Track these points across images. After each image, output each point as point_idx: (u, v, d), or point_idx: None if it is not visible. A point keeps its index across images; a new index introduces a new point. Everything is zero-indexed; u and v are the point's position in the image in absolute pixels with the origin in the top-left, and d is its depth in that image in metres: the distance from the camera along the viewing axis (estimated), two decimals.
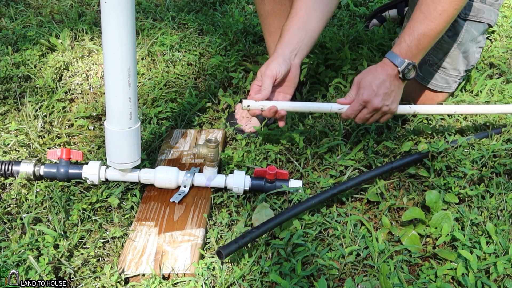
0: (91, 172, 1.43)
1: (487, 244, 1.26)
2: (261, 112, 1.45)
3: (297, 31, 1.48)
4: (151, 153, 1.62)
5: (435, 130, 1.65)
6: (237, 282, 1.18)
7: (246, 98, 1.45)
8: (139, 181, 1.44)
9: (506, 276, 1.19)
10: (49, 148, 1.61)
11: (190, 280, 1.18)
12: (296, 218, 1.31)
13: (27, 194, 1.42)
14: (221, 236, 1.32)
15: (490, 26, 1.68)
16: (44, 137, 1.66)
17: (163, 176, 1.43)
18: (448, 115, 1.73)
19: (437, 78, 1.72)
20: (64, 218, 1.33)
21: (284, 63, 1.45)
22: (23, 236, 1.29)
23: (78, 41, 2.18)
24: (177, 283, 1.19)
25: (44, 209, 1.37)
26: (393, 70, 1.42)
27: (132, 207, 1.40)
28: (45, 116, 1.75)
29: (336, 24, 2.33)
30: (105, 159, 1.42)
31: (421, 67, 1.72)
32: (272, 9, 1.67)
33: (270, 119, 1.71)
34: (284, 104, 1.47)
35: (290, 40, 1.48)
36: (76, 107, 1.82)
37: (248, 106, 1.44)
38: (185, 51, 2.12)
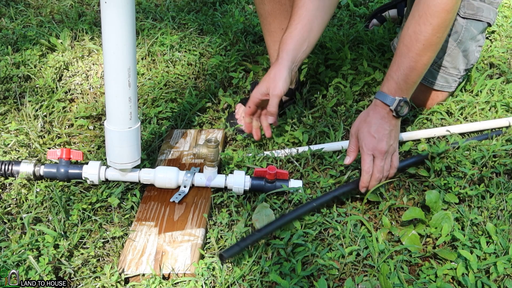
0: (91, 172, 1.43)
1: (487, 244, 1.26)
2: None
3: (302, 40, 1.49)
4: (151, 153, 1.62)
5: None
6: (237, 282, 1.18)
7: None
8: (139, 181, 1.44)
9: (506, 276, 1.19)
10: (49, 148, 1.61)
11: (190, 280, 1.18)
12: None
13: (27, 194, 1.42)
14: (221, 236, 1.32)
15: (489, 24, 1.68)
16: (44, 137, 1.66)
17: (163, 176, 1.43)
18: (448, 115, 1.73)
19: (436, 77, 1.72)
20: (64, 218, 1.33)
21: (289, 77, 1.47)
22: (23, 236, 1.29)
23: (78, 41, 2.18)
24: (177, 283, 1.19)
25: (44, 209, 1.37)
26: (385, 110, 1.36)
27: (132, 207, 1.40)
28: (45, 116, 1.75)
29: (336, 24, 2.32)
30: (105, 159, 1.42)
31: None
32: (272, 9, 1.67)
33: None
34: None
35: (295, 49, 1.49)
36: (76, 107, 1.82)
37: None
38: (185, 51, 2.12)
